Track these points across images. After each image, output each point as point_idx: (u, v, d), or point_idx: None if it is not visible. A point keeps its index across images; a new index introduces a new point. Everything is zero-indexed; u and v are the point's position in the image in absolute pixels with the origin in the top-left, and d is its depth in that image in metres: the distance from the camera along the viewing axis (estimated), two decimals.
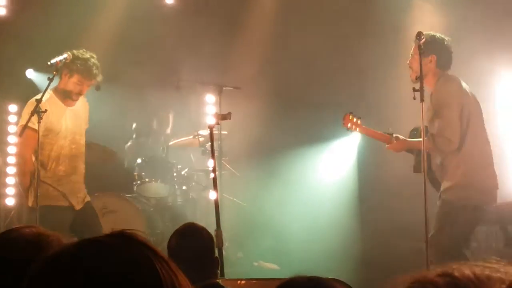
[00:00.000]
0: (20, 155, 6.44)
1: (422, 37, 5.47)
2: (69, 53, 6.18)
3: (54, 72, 5.99)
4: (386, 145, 6.08)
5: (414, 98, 5.42)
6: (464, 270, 1.21)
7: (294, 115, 9.22)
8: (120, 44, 8.15)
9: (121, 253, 1.31)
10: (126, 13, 9.14)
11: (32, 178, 6.17)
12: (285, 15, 9.46)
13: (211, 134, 5.36)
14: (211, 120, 5.43)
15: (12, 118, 9.51)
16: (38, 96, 6.07)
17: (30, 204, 6.12)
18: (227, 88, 8.61)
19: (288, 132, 9.24)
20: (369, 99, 8.90)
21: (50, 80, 5.93)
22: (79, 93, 6.32)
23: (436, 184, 6.00)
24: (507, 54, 7.81)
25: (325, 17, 9.21)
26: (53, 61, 6.06)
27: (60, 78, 6.29)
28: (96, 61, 6.35)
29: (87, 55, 6.31)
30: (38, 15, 8.87)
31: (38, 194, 5.88)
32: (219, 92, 8.50)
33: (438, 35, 5.92)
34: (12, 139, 9.38)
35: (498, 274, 1.20)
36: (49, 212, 6.09)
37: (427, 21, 8.30)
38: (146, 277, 1.30)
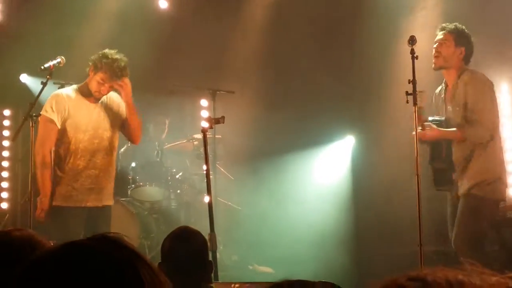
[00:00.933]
0: (40, 149, 6.12)
1: (415, 41, 5.49)
2: (62, 57, 6.17)
3: (48, 77, 5.98)
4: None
5: (407, 102, 5.45)
6: (437, 274, 1.18)
7: (289, 119, 9.23)
8: (114, 49, 8.13)
9: (103, 255, 1.32)
10: (119, 17, 9.15)
11: (51, 174, 6.13)
12: (280, 19, 9.47)
13: (205, 138, 5.37)
14: (204, 124, 5.44)
15: (6, 123, 9.52)
16: (59, 91, 6.14)
17: (49, 204, 6.06)
18: (220, 92, 8.62)
19: (283, 135, 9.24)
20: (363, 103, 8.92)
21: (44, 84, 5.92)
22: (100, 92, 6.21)
23: (444, 179, 5.99)
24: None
25: (320, 22, 9.23)
26: (46, 65, 6.06)
27: (88, 74, 6.27)
28: (124, 64, 6.26)
29: (116, 56, 6.22)
30: (32, 19, 8.86)
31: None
32: (213, 96, 8.51)
33: (466, 29, 5.99)
34: (6, 143, 9.40)
35: (472, 280, 1.18)
36: (61, 213, 6.08)
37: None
38: (128, 280, 1.31)
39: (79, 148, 6.20)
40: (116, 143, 6.50)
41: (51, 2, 8.92)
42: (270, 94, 9.47)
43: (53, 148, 6.15)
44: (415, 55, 5.46)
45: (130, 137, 6.59)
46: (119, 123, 6.45)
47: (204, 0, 9.66)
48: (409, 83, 5.49)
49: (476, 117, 5.73)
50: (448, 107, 5.89)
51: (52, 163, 6.10)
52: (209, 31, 9.43)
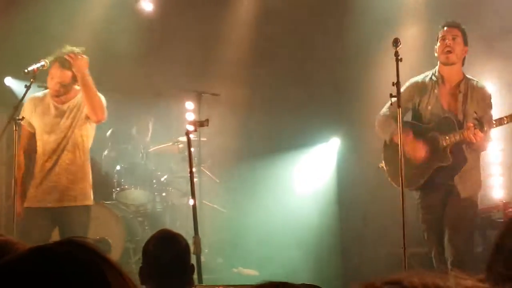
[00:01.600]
0: (18, 151, 6.10)
1: (399, 44, 5.48)
2: (46, 60, 6.14)
3: (32, 80, 5.95)
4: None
5: (391, 104, 5.45)
6: (414, 278, 1.18)
7: (273, 121, 9.24)
8: (98, 51, 8.13)
9: (69, 259, 1.32)
10: (103, 19, 9.13)
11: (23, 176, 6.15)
12: (265, 20, 9.48)
13: (189, 141, 5.37)
14: (189, 127, 5.44)
15: None
16: (33, 95, 6.16)
17: (21, 205, 6.04)
18: (205, 94, 8.62)
19: (268, 138, 9.25)
20: (347, 105, 8.94)
21: (27, 87, 5.88)
22: (54, 90, 6.22)
23: (445, 177, 5.90)
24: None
25: (304, 25, 9.24)
26: (30, 68, 6.02)
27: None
28: (65, 51, 6.19)
29: (63, 49, 6.22)
30: (16, 22, 8.83)
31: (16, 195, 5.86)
32: (198, 98, 8.51)
33: None
34: None
35: (448, 284, 1.18)
36: (28, 214, 6.05)
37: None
38: (94, 283, 1.30)
39: (46, 149, 6.18)
40: (87, 142, 6.36)
41: (36, 4, 8.89)
42: (255, 96, 9.47)
43: (26, 151, 6.21)
44: (399, 57, 5.44)
45: (90, 116, 6.26)
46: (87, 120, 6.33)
47: (189, 2, 9.64)
48: (393, 85, 5.46)
49: (490, 122, 5.74)
50: (443, 104, 5.88)
51: (23, 165, 6.11)
52: (194, 32, 9.43)
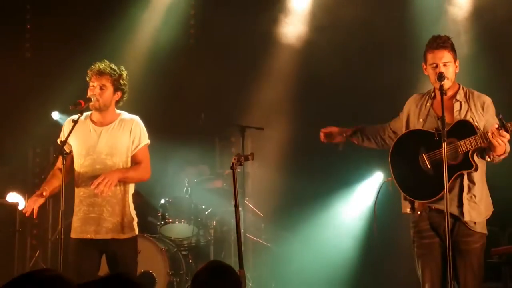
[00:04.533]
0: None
1: (444, 77, 5.38)
2: (93, 97, 6.06)
3: (79, 114, 5.91)
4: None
5: (437, 138, 5.29)
6: None
7: (317, 157, 9.23)
8: (146, 84, 8.25)
9: None
10: (152, 49, 9.29)
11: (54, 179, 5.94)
12: (309, 53, 9.53)
13: (234, 174, 5.39)
14: (234, 160, 5.45)
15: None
16: (75, 117, 5.88)
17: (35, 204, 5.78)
18: (250, 128, 8.64)
19: (312, 173, 9.23)
20: None
21: (75, 122, 5.86)
22: (94, 95, 5.94)
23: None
24: None
25: (347, 65, 9.24)
26: (77, 104, 5.96)
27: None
28: (101, 65, 6.00)
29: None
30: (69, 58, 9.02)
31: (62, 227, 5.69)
32: (242, 132, 8.52)
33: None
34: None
35: None
36: (74, 246, 5.96)
37: None
38: None
39: (80, 173, 5.97)
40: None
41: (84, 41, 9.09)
42: (298, 132, 9.48)
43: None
44: (444, 92, 5.36)
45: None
46: (126, 151, 6.04)
47: (233, 34, 9.72)
48: (438, 119, 5.39)
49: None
50: (438, 114, 5.38)
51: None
52: (238, 67, 9.53)
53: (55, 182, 5.96)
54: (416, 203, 5.46)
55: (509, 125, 5.10)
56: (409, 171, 5.47)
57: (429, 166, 5.38)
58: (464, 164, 5.29)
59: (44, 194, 5.88)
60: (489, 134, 5.14)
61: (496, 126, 5.12)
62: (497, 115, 5.31)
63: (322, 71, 9.32)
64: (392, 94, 7.52)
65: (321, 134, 6.12)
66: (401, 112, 5.80)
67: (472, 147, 5.24)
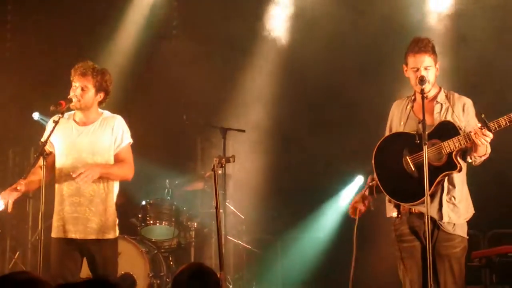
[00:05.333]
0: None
1: (425, 81, 5.39)
2: (74, 97, 6.03)
3: (60, 115, 5.88)
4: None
5: (417, 142, 5.29)
6: None
7: (300, 160, 9.24)
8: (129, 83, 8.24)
9: None
10: (133, 50, 9.27)
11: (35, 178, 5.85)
12: (293, 52, 9.53)
13: (215, 176, 5.37)
14: (215, 162, 5.44)
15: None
16: (56, 118, 5.86)
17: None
18: (231, 130, 8.63)
19: (294, 176, 9.24)
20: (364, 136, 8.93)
21: (56, 123, 5.84)
22: (75, 96, 5.88)
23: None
24: None
25: (334, 63, 9.25)
26: (57, 104, 5.93)
27: None
28: (84, 65, 5.93)
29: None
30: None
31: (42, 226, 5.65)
32: (224, 134, 8.51)
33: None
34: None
35: None
36: (55, 245, 5.93)
37: None
38: None
39: (62, 172, 5.91)
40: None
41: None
42: (280, 135, 9.49)
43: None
44: (425, 95, 5.36)
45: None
46: (108, 150, 5.98)
47: (215, 38, 9.73)
48: (418, 122, 5.38)
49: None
50: (419, 118, 5.30)
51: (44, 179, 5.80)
52: (219, 68, 9.52)
53: (33, 177, 5.89)
54: (401, 206, 5.45)
55: (491, 124, 5.11)
56: (393, 174, 5.46)
57: (413, 169, 5.36)
58: (448, 165, 5.26)
59: (19, 188, 5.78)
60: (472, 134, 5.13)
61: (479, 125, 5.12)
62: (479, 114, 5.31)
63: (307, 72, 9.34)
64: (380, 94, 7.55)
65: (350, 212, 5.91)
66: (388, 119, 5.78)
67: (456, 147, 5.21)
